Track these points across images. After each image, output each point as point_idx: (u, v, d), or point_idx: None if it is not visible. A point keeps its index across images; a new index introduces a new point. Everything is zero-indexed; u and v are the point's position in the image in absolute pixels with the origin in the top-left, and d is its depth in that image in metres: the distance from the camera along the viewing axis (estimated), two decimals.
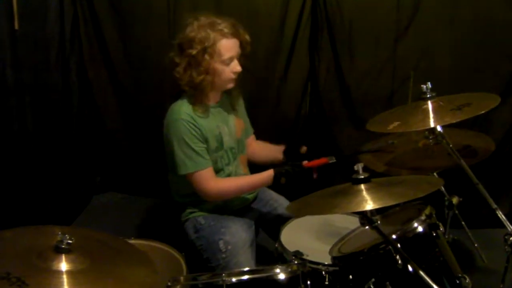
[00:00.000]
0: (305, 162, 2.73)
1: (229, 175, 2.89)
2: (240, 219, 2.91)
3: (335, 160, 2.75)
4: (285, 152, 3.01)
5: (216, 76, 2.71)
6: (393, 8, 3.66)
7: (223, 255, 2.70)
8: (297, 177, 2.68)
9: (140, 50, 4.11)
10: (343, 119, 3.99)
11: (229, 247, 2.70)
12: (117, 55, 4.18)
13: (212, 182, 2.75)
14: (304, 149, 2.89)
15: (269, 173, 2.74)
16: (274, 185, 2.75)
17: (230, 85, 2.81)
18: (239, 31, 2.72)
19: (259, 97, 3.92)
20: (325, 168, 2.74)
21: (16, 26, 3.36)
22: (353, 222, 2.60)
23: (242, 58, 2.80)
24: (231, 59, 2.71)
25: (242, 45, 2.76)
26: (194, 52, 2.65)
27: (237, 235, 2.76)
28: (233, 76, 2.75)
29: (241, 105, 3.06)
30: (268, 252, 3.21)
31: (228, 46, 2.68)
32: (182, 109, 2.72)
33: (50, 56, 3.84)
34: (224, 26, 2.67)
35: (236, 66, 2.73)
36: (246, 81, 3.04)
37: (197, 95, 2.73)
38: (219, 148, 2.83)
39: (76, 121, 4.18)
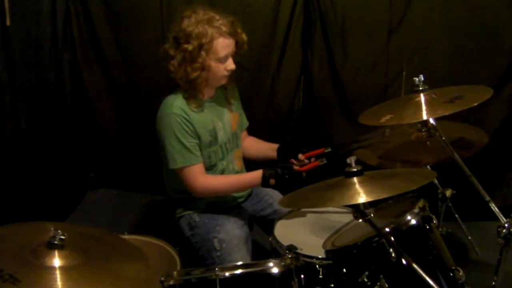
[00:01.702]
0: (296, 167, 2.74)
1: (223, 171, 2.89)
2: (234, 216, 2.90)
3: (325, 162, 2.77)
4: (278, 150, 3.02)
5: (210, 73, 2.70)
6: (386, 2, 3.66)
7: (218, 253, 2.69)
8: (286, 179, 2.68)
9: (134, 47, 4.09)
10: (337, 114, 3.98)
11: (224, 245, 2.70)
12: (110, 53, 4.16)
13: (201, 179, 2.74)
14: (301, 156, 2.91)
15: (258, 174, 2.73)
16: (263, 186, 2.75)
17: (223, 82, 2.81)
18: (237, 31, 2.70)
19: (252, 92, 3.91)
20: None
21: (8, 23, 3.34)
22: (347, 216, 2.62)
23: (237, 55, 2.79)
24: (226, 58, 2.69)
25: (238, 44, 2.74)
26: (190, 47, 2.62)
27: (231, 233, 2.75)
28: (226, 73, 2.74)
29: (236, 98, 3.05)
30: (263, 247, 3.22)
31: (224, 45, 2.66)
32: (176, 103, 2.70)
33: (43, 54, 3.83)
34: (222, 23, 2.64)
35: (230, 64, 2.72)
36: (239, 76, 3.03)
37: (191, 90, 2.72)
38: (213, 143, 2.82)
39: (69, 118, 4.17)
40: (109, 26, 4.08)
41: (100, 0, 4.01)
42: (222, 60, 2.68)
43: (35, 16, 3.71)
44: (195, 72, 2.65)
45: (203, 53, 2.63)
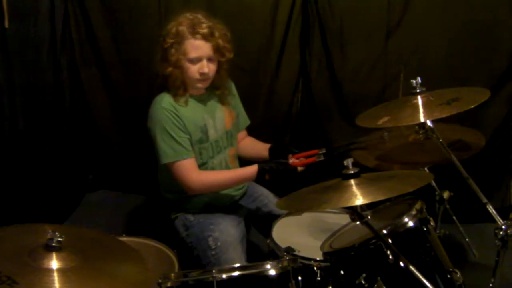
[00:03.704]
0: (291, 161, 2.75)
1: (213, 169, 2.89)
2: (229, 215, 2.90)
3: (323, 158, 2.77)
4: (271, 150, 3.02)
5: (183, 72, 2.74)
6: (384, 4, 3.66)
7: (213, 252, 2.70)
8: (281, 174, 2.70)
9: (132, 48, 4.09)
10: (335, 115, 3.98)
11: (219, 244, 2.70)
12: (109, 54, 4.16)
13: (195, 174, 2.75)
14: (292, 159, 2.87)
15: (253, 168, 2.74)
16: (258, 181, 2.76)
17: (200, 85, 2.81)
18: (214, 35, 2.72)
19: (250, 93, 3.89)
20: (314, 164, 2.78)
21: (6, 25, 3.34)
22: (344, 218, 2.62)
23: (224, 62, 2.82)
24: (198, 60, 2.72)
25: (216, 50, 2.75)
26: (165, 45, 2.73)
27: (226, 231, 2.76)
28: (199, 76, 2.75)
29: (233, 97, 3.07)
30: (259, 248, 3.22)
31: (194, 46, 2.70)
32: (164, 99, 2.76)
33: (41, 55, 3.83)
34: (200, 26, 2.69)
35: (203, 68, 2.73)
36: (238, 78, 3.04)
37: (172, 87, 2.78)
38: (204, 140, 2.83)
39: (68, 120, 4.17)
40: (107, 27, 4.08)
41: (98, 0, 4.02)
42: (194, 61, 2.72)
43: (34, 16, 3.71)
44: (168, 68, 2.73)
45: (173, 50, 2.71)
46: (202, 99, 2.87)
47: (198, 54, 2.71)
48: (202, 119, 2.83)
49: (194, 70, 2.72)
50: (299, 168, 2.74)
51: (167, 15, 3.85)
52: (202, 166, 2.84)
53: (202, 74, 2.74)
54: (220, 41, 2.74)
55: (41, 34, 3.80)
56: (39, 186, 3.83)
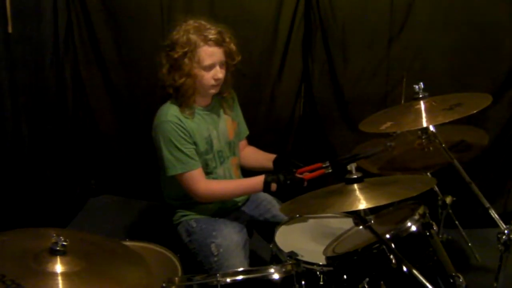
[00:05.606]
0: (299, 175, 2.75)
1: (216, 179, 2.89)
2: (232, 221, 2.90)
3: (330, 170, 2.76)
4: (275, 162, 3.01)
5: (196, 80, 2.71)
6: (386, 10, 3.66)
7: (215, 258, 2.69)
8: (288, 186, 2.69)
9: (134, 52, 4.10)
10: (337, 121, 3.99)
11: (221, 250, 2.70)
12: (111, 58, 4.17)
13: (203, 184, 2.76)
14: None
15: (260, 179, 2.73)
16: (264, 191, 2.76)
17: (212, 91, 2.81)
18: (225, 40, 2.72)
19: (253, 99, 3.92)
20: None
21: (10, 30, 3.35)
22: (348, 223, 2.62)
23: (231, 66, 2.81)
24: (212, 66, 2.71)
25: (227, 54, 2.76)
26: (175, 55, 2.67)
27: (228, 237, 2.76)
28: (213, 82, 2.74)
29: (236, 107, 3.07)
30: (261, 254, 3.22)
31: (208, 53, 2.68)
32: (170, 111, 2.73)
33: (44, 58, 3.84)
34: (209, 32, 2.67)
35: (217, 74, 2.73)
36: (240, 83, 3.04)
37: (181, 98, 2.74)
38: (209, 151, 2.83)
39: (70, 124, 4.18)
40: (110, 31, 4.09)
41: (101, 4, 4.03)
42: (207, 68, 2.70)
43: (37, 20, 3.72)
44: (181, 79, 2.68)
45: (186, 60, 2.66)
46: (206, 110, 2.86)
47: (213, 60, 2.70)
48: (207, 130, 2.82)
49: (208, 77, 2.71)
50: (305, 183, 2.72)
51: (169, 18, 3.86)
52: (207, 176, 2.84)
53: (216, 79, 2.73)
54: (232, 45, 2.75)
55: (44, 37, 3.82)
56: (42, 190, 3.84)
